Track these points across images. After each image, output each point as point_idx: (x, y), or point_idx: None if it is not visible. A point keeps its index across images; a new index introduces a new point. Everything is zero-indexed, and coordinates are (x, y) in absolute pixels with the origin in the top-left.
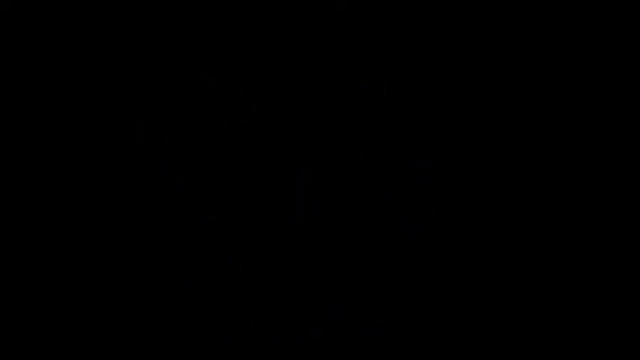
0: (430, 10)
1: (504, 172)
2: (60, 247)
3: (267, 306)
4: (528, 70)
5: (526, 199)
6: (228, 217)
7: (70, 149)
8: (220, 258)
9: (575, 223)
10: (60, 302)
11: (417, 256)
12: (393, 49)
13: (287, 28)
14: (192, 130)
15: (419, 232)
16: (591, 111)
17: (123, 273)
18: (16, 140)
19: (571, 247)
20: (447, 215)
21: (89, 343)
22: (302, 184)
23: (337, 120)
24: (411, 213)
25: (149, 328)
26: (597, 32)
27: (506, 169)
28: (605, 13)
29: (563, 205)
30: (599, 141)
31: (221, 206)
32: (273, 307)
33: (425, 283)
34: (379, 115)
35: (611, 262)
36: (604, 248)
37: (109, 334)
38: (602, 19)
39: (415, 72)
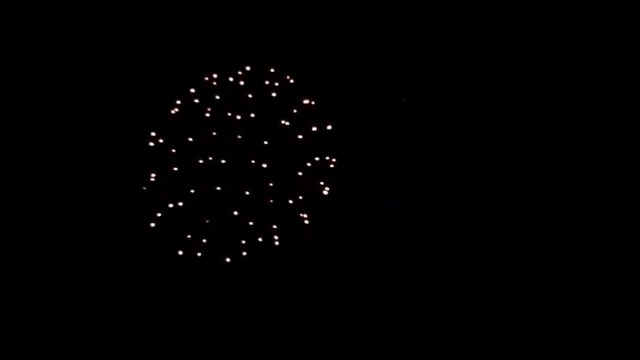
0: (429, 11)
1: (504, 172)
2: (60, 245)
3: (266, 306)
4: (527, 71)
5: (525, 199)
6: (228, 217)
7: (69, 149)
8: (220, 258)
9: (573, 221)
10: (59, 300)
11: (417, 256)
12: (392, 49)
13: (287, 28)
14: (192, 129)
15: (420, 232)
16: (588, 112)
17: (123, 272)
18: (15, 139)
19: (568, 245)
20: (447, 215)
21: (89, 342)
22: (302, 184)
23: (337, 119)
24: (412, 213)
25: (149, 328)
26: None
27: (505, 169)
28: (605, 14)
29: (560, 206)
30: (596, 142)
31: (221, 205)
32: (273, 308)
33: (424, 282)
34: (379, 115)
35: (610, 263)
36: (601, 249)
37: (108, 334)
38: (600, 20)
39: (414, 72)
